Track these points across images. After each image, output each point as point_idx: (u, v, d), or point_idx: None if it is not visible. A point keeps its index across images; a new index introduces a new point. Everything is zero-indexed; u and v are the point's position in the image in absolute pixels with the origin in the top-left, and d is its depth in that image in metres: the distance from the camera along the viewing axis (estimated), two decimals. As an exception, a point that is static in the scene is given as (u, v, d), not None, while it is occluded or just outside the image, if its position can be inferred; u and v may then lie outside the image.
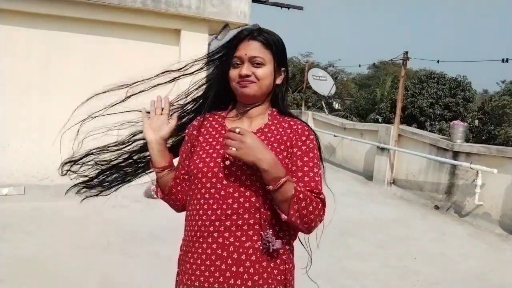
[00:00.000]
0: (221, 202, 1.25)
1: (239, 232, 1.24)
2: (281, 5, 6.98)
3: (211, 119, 1.42)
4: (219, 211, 1.25)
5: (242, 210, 1.24)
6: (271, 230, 1.25)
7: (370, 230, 5.07)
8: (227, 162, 1.27)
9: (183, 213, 1.41)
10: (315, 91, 12.99)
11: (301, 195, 1.18)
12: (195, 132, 1.40)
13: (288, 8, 7.03)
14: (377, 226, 5.27)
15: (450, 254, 4.47)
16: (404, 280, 3.72)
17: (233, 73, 1.31)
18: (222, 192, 1.25)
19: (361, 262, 4.05)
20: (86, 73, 5.60)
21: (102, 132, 1.50)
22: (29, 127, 5.40)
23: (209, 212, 1.26)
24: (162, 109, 1.41)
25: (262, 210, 1.25)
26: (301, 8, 7.21)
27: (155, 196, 1.46)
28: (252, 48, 1.29)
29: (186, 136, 1.43)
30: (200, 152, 1.33)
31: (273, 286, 1.26)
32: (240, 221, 1.24)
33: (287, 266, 1.31)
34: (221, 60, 1.40)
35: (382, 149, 7.52)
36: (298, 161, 1.28)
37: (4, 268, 3.31)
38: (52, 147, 5.90)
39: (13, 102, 5.32)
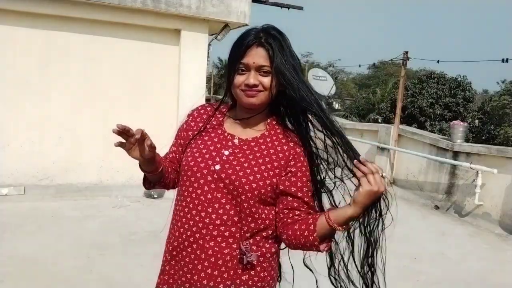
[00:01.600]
0: (206, 205, 1.25)
1: (220, 238, 1.24)
2: (281, 5, 6.98)
3: (210, 113, 1.39)
4: (204, 217, 1.25)
5: (226, 216, 1.24)
6: (251, 240, 1.25)
7: (370, 230, 5.06)
8: (217, 167, 1.25)
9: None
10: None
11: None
12: (192, 124, 1.39)
13: (288, 8, 7.03)
14: (377, 226, 5.25)
15: (450, 254, 4.47)
16: (404, 280, 3.72)
17: (238, 79, 1.26)
18: (209, 196, 1.25)
19: (361, 262, 4.04)
20: (86, 73, 5.60)
21: None
22: (29, 127, 5.40)
23: (197, 218, 1.25)
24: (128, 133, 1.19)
25: (244, 222, 1.24)
26: (301, 8, 7.20)
27: (147, 190, 1.46)
28: (260, 56, 1.24)
29: (184, 124, 1.42)
30: (194, 150, 1.32)
31: None
32: (223, 227, 1.24)
33: (266, 273, 1.30)
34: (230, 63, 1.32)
35: (382, 149, 7.52)
36: (298, 182, 1.27)
37: (4, 268, 3.31)
38: (52, 147, 5.91)
39: (13, 102, 5.31)
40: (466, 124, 6.69)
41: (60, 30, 5.42)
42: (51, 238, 4.01)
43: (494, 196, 5.49)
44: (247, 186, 1.22)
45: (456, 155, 6.12)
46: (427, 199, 6.55)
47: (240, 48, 1.26)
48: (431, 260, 4.23)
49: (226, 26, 6.10)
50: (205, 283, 1.24)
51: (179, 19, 5.71)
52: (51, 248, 3.78)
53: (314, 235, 1.18)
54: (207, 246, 1.24)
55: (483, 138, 16.17)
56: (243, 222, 1.24)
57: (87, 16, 5.39)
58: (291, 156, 1.28)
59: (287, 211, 1.26)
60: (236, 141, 1.31)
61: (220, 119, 1.37)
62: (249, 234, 1.25)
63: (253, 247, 1.25)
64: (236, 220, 1.24)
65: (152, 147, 1.23)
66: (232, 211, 1.24)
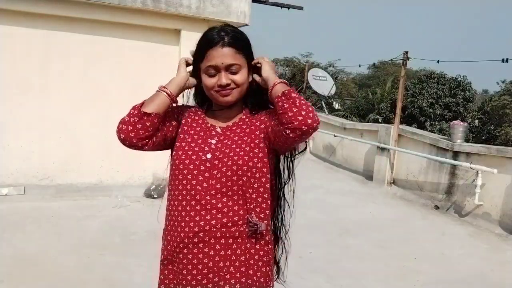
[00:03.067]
0: (203, 194, 1.30)
1: (225, 219, 1.29)
2: (281, 5, 6.98)
3: (192, 112, 1.46)
4: (205, 204, 1.29)
5: (225, 198, 1.30)
6: (253, 213, 1.32)
7: (370, 230, 5.07)
8: (209, 156, 1.32)
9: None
10: (315, 91, 13.01)
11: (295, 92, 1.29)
12: (180, 117, 1.44)
13: (288, 8, 7.03)
14: (377, 226, 5.26)
15: (450, 254, 4.47)
16: (404, 280, 3.72)
17: (210, 81, 1.33)
18: (205, 184, 1.31)
19: (361, 262, 4.05)
20: (86, 73, 5.60)
21: None
22: (29, 127, 5.40)
23: (198, 207, 1.30)
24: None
25: (247, 195, 1.31)
26: (301, 8, 7.20)
27: (136, 112, 1.32)
28: (227, 56, 1.31)
29: (175, 110, 1.45)
30: (183, 144, 1.36)
31: (260, 264, 1.34)
32: (225, 209, 1.30)
33: (270, 246, 1.39)
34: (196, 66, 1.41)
35: (382, 149, 7.52)
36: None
37: (4, 268, 3.31)
38: (52, 147, 5.90)
39: (13, 102, 5.31)
40: (466, 124, 6.68)
41: (60, 30, 5.41)
42: (51, 238, 4.01)
43: (494, 196, 5.49)
44: (241, 161, 1.30)
45: (456, 155, 6.12)
46: (427, 199, 6.55)
47: (206, 50, 1.32)
48: (431, 260, 4.23)
49: (226, 26, 6.10)
50: (221, 265, 1.28)
51: (179, 19, 5.71)
52: (51, 248, 3.78)
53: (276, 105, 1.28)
54: (214, 230, 1.28)
55: (483, 138, 16.16)
56: (246, 195, 1.31)
57: (87, 16, 5.38)
58: (263, 117, 1.39)
59: None
60: (218, 129, 1.39)
61: (202, 116, 1.44)
62: (252, 205, 1.32)
63: (256, 219, 1.32)
64: (236, 199, 1.30)
65: None
66: (230, 192, 1.30)
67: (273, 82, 1.31)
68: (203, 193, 1.29)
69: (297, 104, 1.23)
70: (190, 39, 6.27)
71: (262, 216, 1.33)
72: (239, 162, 1.30)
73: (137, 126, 1.30)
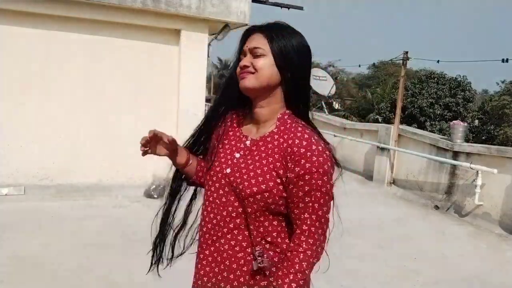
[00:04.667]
0: (221, 208, 1.26)
1: (233, 241, 1.24)
2: (281, 5, 6.98)
3: (231, 117, 1.38)
4: (219, 220, 1.27)
5: (239, 220, 1.24)
6: (267, 245, 1.23)
7: (370, 230, 5.07)
8: (228, 170, 1.27)
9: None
10: (315, 91, 13.01)
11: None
12: (220, 130, 1.37)
13: (288, 8, 7.02)
14: (377, 226, 5.26)
15: (450, 254, 4.47)
16: (404, 280, 3.72)
17: (238, 68, 1.27)
18: (223, 199, 1.28)
19: (361, 262, 4.05)
20: (86, 73, 5.60)
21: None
22: (29, 127, 5.40)
23: (214, 221, 1.28)
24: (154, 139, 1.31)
25: (251, 227, 1.22)
26: (301, 8, 7.20)
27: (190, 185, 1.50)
28: (253, 39, 1.23)
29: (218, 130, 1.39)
30: (221, 156, 1.32)
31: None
32: (236, 231, 1.24)
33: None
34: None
35: (382, 149, 7.52)
36: (300, 203, 1.17)
37: (4, 268, 3.31)
38: (52, 147, 5.91)
39: (13, 102, 5.31)
40: (466, 124, 6.68)
41: (60, 30, 5.42)
42: (51, 238, 4.01)
43: (494, 196, 5.49)
44: (249, 190, 1.18)
45: (456, 155, 6.12)
46: (427, 199, 6.55)
47: (241, 40, 1.29)
48: (431, 260, 4.23)
49: (226, 26, 6.10)
50: (222, 285, 1.26)
51: (179, 19, 5.71)
52: (51, 248, 3.78)
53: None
54: (222, 249, 1.25)
55: (483, 138, 16.18)
56: (251, 227, 1.22)
57: (87, 16, 5.38)
58: (290, 159, 1.17)
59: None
60: (248, 142, 1.28)
61: (238, 122, 1.36)
62: (259, 238, 1.22)
63: (270, 252, 1.22)
64: (244, 224, 1.25)
65: (171, 141, 1.30)
66: (244, 214, 1.23)
67: None
68: (221, 208, 1.25)
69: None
70: (190, 39, 6.34)
71: (272, 248, 1.23)
72: (247, 190, 1.19)
73: (196, 183, 1.50)
